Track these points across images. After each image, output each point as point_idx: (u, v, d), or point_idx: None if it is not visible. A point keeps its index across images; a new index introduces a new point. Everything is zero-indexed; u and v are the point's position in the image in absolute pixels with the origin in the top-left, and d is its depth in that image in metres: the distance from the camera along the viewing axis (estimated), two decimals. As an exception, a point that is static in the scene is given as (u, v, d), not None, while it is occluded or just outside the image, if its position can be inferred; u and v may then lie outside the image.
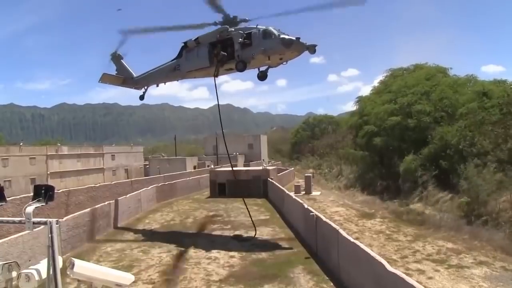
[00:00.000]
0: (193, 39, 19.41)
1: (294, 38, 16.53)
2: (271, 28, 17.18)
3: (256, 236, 19.06)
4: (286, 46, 16.65)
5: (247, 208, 20.54)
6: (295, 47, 16.68)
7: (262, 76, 19.14)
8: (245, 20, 18.21)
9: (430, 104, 27.85)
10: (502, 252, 15.25)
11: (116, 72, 23.18)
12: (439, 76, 31.23)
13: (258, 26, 17.58)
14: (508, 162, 20.03)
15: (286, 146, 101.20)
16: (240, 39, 17.51)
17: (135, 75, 22.94)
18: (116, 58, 23.04)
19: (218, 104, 19.33)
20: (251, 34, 17.50)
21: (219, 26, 18.49)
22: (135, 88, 23.29)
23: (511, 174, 19.22)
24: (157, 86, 22.65)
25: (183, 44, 20.02)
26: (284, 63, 17.93)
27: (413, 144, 27.40)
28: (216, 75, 19.08)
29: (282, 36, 16.78)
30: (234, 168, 42.06)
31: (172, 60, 20.79)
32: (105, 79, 22.54)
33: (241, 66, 17.80)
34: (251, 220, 20.11)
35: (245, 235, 19.33)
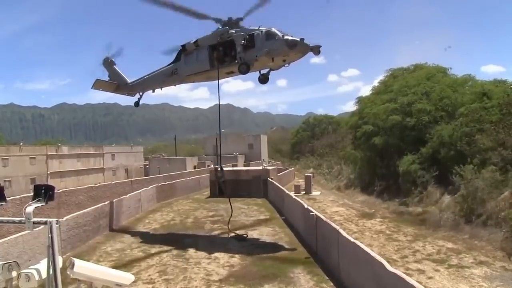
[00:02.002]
0: (192, 42, 19.00)
1: (298, 39, 16.17)
2: (274, 29, 16.83)
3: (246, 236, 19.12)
4: (290, 47, 16.26)
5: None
6: (299, 48, 16.29)
7: (264, 79, 18.85)
8: (240, 19, 17.79)
9: (431, 104, 27.84)
10: (502, 252, 15.25)
11: (108, 78, 22.72)
12: (440, 76, 31.21)
13: (260, 27, 17.24)
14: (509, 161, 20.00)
15: (286, 146, 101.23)
16: (243, 41, 17.15)
17: (128, 81, 22.51)
18: (108, 63, 22.58)
19: (219, 107, 19.19)
20: (253, 35, 17.12)
21: (219, 26, 18.27)
22: (129, 95, 22.81)
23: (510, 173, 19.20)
24: (153, 91, 22.23)
25: (180, 48, 19.55)
26: (286, 65, 17.54)
27: (413, 144, 27.37)
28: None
29: (285, 37, 16.42)
30: (235, 168, 42.21)
31: (169, 65, 20.27)
32: (98, 85, 22.05)
33: (244, 69, 17.42)
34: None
35: (246, 235, 19.29)
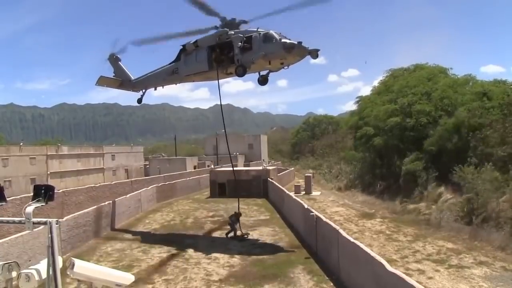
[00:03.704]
0: (191, 42, 19.01)
1: (295, 42, 15.97)
2: (272, 32, 16.67)
3: (247, 236, 19.09)
4: (287, 50, 16.07)
5: None
6: (296, 52, 16.12)
7: (263, 81, 18.74)
8: (245, 22, 17.74)
9: (431, 104, 27.89)
10: (502, 252, 15.25)
11: (113, 75, 22.90)
12: (441, 76, 31.26)
13: (258, 30, 17.11)
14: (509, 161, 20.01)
15: (286, 146, 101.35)
16: (240, 43, 17.03)
17: (132, 78, 22.62)
18: (114, 60, 22.76)
19: (221, 106, 19.17)
20: (251, 37, 17.00)
21: (217, 25, 18.22)
22: (133, 91, 22.98)
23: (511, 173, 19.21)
24: (155, 89, 22.33)
25: (181, 47, 19.61)
26: (285, 67, 17.36)
27: (413, 144, 27.41)
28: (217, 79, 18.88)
29: (283, 40, 16.21)
30: (234, 168, 42.16)
31: (170, 63, 20.38)
32: (102, 81, 22.26)
33: (241, 71, 17.32)
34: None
35: (245, 235, 19.28)
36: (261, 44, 16.67)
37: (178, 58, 19.93)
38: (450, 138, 24.14)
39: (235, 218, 19.11)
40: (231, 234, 19.04)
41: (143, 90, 22.60)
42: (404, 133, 28.40)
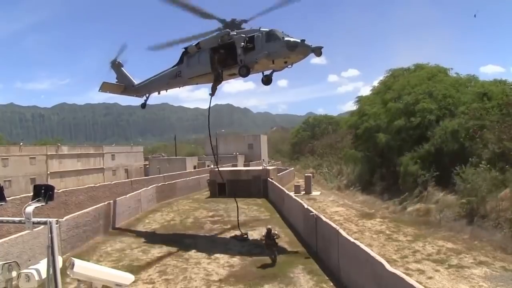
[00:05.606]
0: (194, 44, 18.85)
1: (299, 41, 15.77)
2: (274, 31, 16.50)
3: (246, 236, 18.97)
4: (290, 49, 15.88)
5: None
6: (300, 50, 15.90)
7: (267, 81, 18.45)
8: (245, 21, 17.60)
9: (434, 103, 27.79)
10: (502, 252, 15.25)
11: (116, 80, 22.83)
12: (441, 76, 31.18)
13: (261, 29, 16.93)
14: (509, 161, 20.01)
15: (286, 146, 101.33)
16: (243, 43, 16.84)
17: (135, 83, 22.52)
18: (116, 65, 22.69)
19: (209, 112, 19.09)
20: (253, 37, 16.82)
21: (220, 27, 18.08)
22: (136, 96, 22.89)
23: (510, 173, 19.20)
24: (159, 93, 22.14)
25: (184, 50, 19.50)
26: (289, 66, 17.12)
27: (415, 143, 27.29)
28: (219, 82, 18.82)
29: (286, 38, 16.01)
30: (235, 168, 42.18)
31: (173, 67, 20.25)
32: (106, 88, 22.17)
33: (244, 71, 17.13)
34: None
35: (246, 235, 19.27)
36: (264, 44, 16.50)
37: (181, 61, 19.75)
38: (449, 142, 24.10)
39: (267, 238, 14.93)
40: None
41: (147, 95, 22.46)
42: (408, 133, 28.24)
